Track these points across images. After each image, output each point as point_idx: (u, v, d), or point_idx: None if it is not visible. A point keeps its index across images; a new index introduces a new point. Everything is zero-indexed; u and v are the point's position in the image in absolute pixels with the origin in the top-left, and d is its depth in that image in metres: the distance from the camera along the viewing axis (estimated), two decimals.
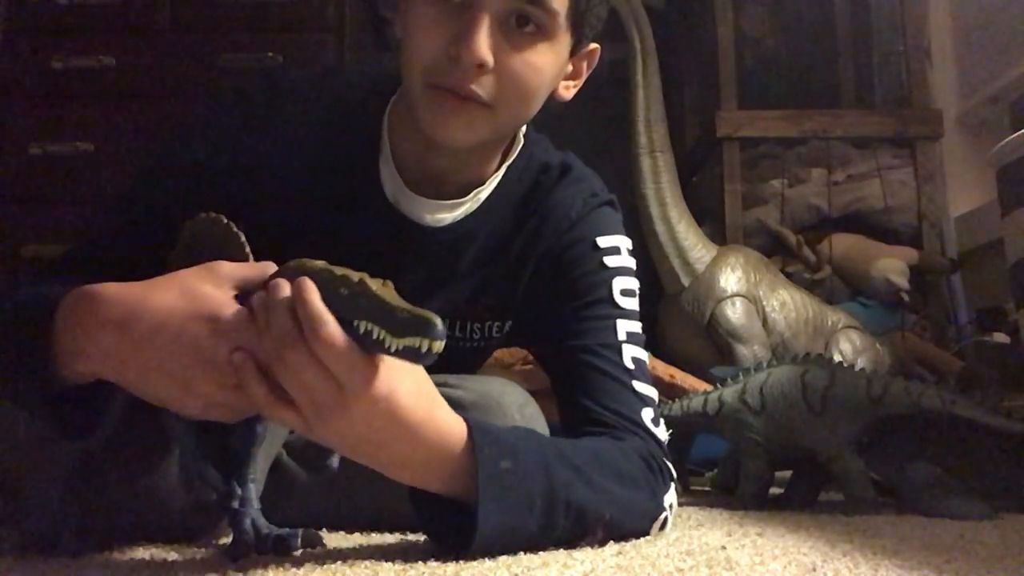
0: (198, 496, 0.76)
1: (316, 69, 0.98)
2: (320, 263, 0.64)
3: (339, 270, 0.62)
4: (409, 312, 0.58)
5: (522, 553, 0.72)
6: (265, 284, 0.65)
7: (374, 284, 0.60)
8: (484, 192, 0.93)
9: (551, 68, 0.84)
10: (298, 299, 0.61)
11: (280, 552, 0.71)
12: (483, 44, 0.78)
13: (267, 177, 0.89)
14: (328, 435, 0.64)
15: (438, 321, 0.57)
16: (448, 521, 0.71)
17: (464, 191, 0.92)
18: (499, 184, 0.94)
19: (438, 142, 0.84)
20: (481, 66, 0.78)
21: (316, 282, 0.61)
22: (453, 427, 0.69)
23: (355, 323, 0.59)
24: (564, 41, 0.85)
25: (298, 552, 0.72)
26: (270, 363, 0.62)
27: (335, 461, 0.75)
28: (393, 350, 0.58)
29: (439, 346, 0.58)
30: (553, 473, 0.73)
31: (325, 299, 0.60)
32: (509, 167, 0.95)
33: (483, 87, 0.80)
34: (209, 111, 0.92)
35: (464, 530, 0.68)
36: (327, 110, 0.91)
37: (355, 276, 0.61)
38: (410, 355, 0.58)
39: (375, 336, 0.59)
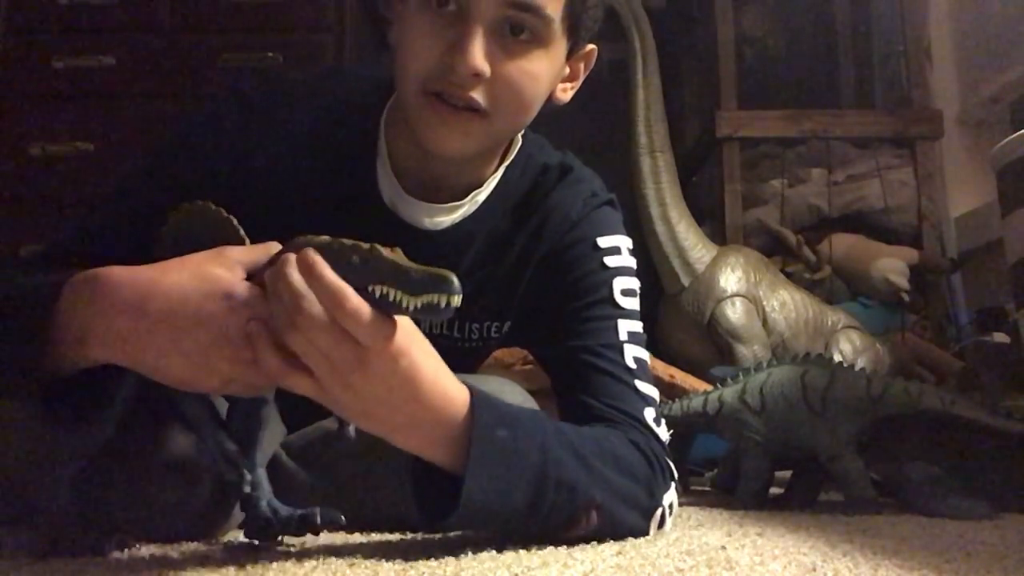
0: (220, 475, 0.76)
1: (314, 70, 0.98)
2: (325, 236, 0.64)
3: (348, 241, 0.63)
4: (424, 271, 0.59)
5: (523, 551, 0.72)
6: (272, 261, 0.65)
7: (384, 250, 0.61)
8: (482, 194, 0.93)
9: (547, 74, 0.84)
10: (310, 275, 0.61)
11: (304, 531, 0.73)
12: (478, 53, 0.78)
13: (263, 179, 0.89)
14: (346, 397, 0.65)
15: (454, 277, 0.59)
16: (440, 493, 0.71)
17: (462, 194, 0.92)
18: (497, 186, 0.94)
19: (434, 152, 0.84)
20: (477, 75, 0.78)
21: (327, 253, 0.62)
22: (457, 392, 0.70)
23: (370, 288, 0.60)
24: (560, 46, 0.84)
25: (315, 550, 0.73)
26: (283, 332, 0.63)
27: (352, 431, 0.76)
28: (411, 309, 0.59)
29: (457, 300, 0.59)
30: (548, 449, 0.74)
31: (337, 269, 0.61)
32: (507, 168, 0.95)
33: (481, 96, 0.80)
34: (207, 112, 0.92)
35: (452, 498, 0.69)
36: (324, 112, 0.91)
37: (365, 244, 0.62)
38: (429, 312, 0.59)
39: (392, 298, 0.60)
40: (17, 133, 2.14)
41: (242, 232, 0.71)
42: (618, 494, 0.80)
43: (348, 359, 0.62)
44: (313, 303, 0.61)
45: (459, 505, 0.68)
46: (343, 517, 0.77)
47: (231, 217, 0.71)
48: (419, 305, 0.59)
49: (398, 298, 0.59)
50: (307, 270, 0.62)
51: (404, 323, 0.64)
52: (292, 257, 0.63)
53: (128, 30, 2.19)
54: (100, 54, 2.16)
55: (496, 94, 0.81)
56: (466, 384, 0.71)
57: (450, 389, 0.69)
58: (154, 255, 0.75)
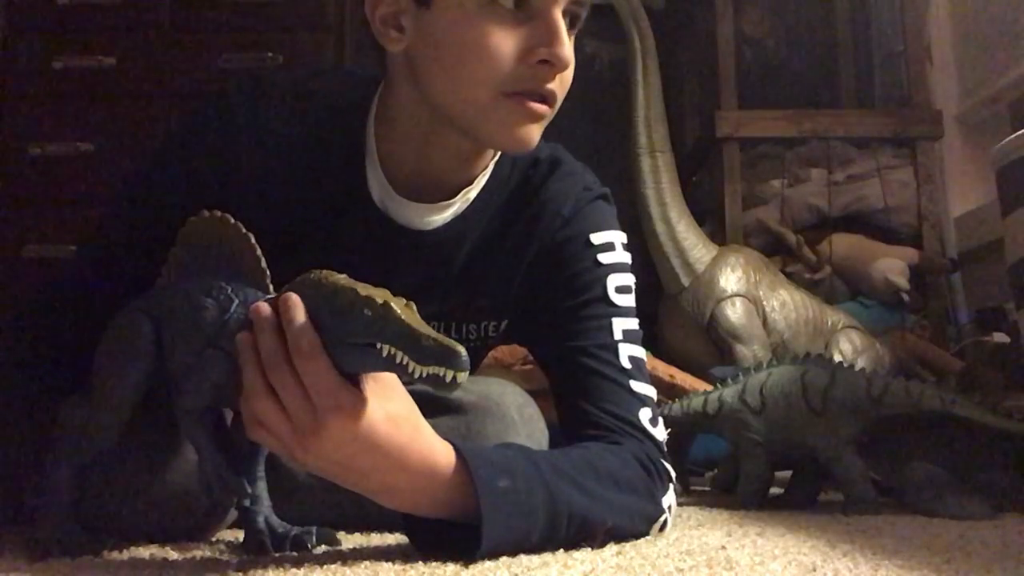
0: (217, 499, 0.77)
1: (300, 70, 0.97)
2: (342, 278, 0.64)
3: (363, 289, 0.61)
4: (435, 340, 0.58)
5: (522, 553, 0.71)
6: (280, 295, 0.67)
7: (397, 306, 0.60)
8: (473, 192, 0.93)
9: None
10: (284, 315, 0.63)
11: (296, 550, 0.72)
12: (570, 46, 0.80)
13: (252, 181, 0.88)
14: (308, 460, 0.65)
15: (463, 351, 0.58)
16: (445, 541, 0.70)
17: (453, 192, 0.91)
18: (488, 182, 0.94)
19: (511, 150, 0.86)
20: (567, 67, 0.80)
21: (340, 303, 0.61)
22: (440, 452, 0.69)
23: (379, 346, 0.59)
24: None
25: (316, 550, 0.73)
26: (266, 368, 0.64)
27: None
28: (417, 376, 0.58)
29: (463, 377, 0.58)
30: (552, 487, 0.73)
31: (349, 321, 0.61)
32: (497, 164, 0.94)
33: (557, 87, 0.82)
34: (192, 118, 0.92)
35: (464, 548, 0.68)
36: (311, 113, 0.90)
37: (379, 298, 0.60)
38: (433, 383, 0.58)
39: (399, 360, 0.59)
40: (17, 133, 2.14)
41: (259, 251, 0.71)
42: (624, 512, 0.80)
43: (304, 421, 0.63)
44: (282, 358, 0.63)
45: (474, 560, 0.67)
46: (338, 537, 0.77)
47: (249, 233, 0.71)
48: (425, 374, 0.58)
49: (405, 361, 0.58)
50: (283, 311, 0.64)
51: (369, 389, 0.64)
52: (265, 309, 0.65)
53: (128, 30, 2.19)
54: (100, 54, 2.16)
55: (564, 84, 0.83)
56: (451, 441, 0.70)
57: (430, 450, 0.68)
58: (170, 262, 0.75)
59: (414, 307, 0.62)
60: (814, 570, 0.69)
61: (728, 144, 2.50)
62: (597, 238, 0.95)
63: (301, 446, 0.64)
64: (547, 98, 0.81)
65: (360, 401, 0.63)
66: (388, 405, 0.65)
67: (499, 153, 0.94)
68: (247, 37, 2.18)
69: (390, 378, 0.67)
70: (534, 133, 0.83)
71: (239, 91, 0.91)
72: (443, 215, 0.91)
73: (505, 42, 0.79)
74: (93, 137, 2.13)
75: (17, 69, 2.16)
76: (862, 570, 0.70)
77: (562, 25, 0.79)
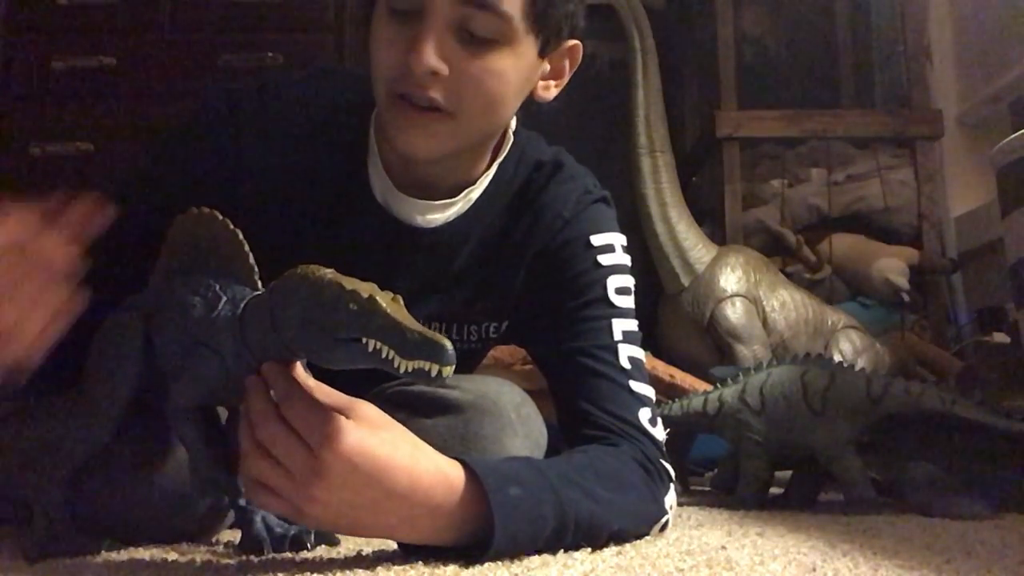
0: (210, 499, 0.77)
1: (304, 70, 0.97)
2: (328, 272, 0.63)
3: (349, 283, 0.61)
4: (420, 334, 0.58)
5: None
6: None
7: (383, 300, 0.59)
8: (475, 192, 0.93)
9: (513, 72, 0.83)
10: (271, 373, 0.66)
11: (295, 550, 0.72)
12: (430, 52, 0.77)
13: (256, 179, 0.89)
14: (316, 509, 0.63)
15: (448, 345, 0.58)
16: (446, 550, 0.70)
17: (454, 192, 0.91)
18: (490, 183, 0.94)
19: (403, 154, 0.84)
20: (434, 74, 0.78)
21: (325, 296, 0.61)
22: (448, 465, 0.68)
23: (364, 341, 0.59)
24: (526, 42, 0.82)
25: (315, 550, 0.73)
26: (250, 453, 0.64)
27: None
28: (402, 371, 0.58)
29: (449, 371, 0.58)
30: (561, 493, 0.73)
31: (335, 315, 0.60)
32: (500, 165, 0.94)
33: (441, 95, 0.80)
34: (197, 114, 0.92)
35: (468, 556, 0.68)
36: (316, 113, 0.91)
37: (364, 292, 0.60)
38: (418, 376, 0.58)
39: (384, 355, 0.58)
40: (17, 133, 2.14)
41: (247, 247, 0.70)
42: (628, 514, 0.80)
43: (302, 465, 0.62)
44: (270, 413, 0.63)
45: (479, 562, 0.67)
46: (337, 537, 0.77)
47: (236, 230, 0.71)
48: (410, 368, 0.58)
49: (390, 355, 0.58)
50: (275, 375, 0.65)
51: (359, 417, 0.64)
52: (257, 383, 0.66)
53: (128, 30, 2.19)
54: (100, 54, 2.16)
55: (459, 93, 0.80)
56: (452, 455, 0.70)
57: (436, 468, 0.67)
58: (159, 257, 0.75)
59: (401, 301, 0.61)
60: (814, 570, 0.69)
61: (728, 144, 2.50)
62: (597, 240, 0.95)
63: (307, 494, 0.62)
64: (433, 104, 0.80)
65: (348, 427, 0.63)
66: (378, 431, 0.65)
67: (502, 155, 0.94)
68: (247, 37, 2.18)
69: (371, 410, 0.66)
70: (416, 139, 0.82)
71: (245, 90, 0.91)
72: (445, 214, 0.92)
73: (392, 44, 0.80)
74: (93, 137, 2.13)
75: (17, 69, 2.16)
76: (862, 570, 0.70)
77: (427, 32, 0.77)
